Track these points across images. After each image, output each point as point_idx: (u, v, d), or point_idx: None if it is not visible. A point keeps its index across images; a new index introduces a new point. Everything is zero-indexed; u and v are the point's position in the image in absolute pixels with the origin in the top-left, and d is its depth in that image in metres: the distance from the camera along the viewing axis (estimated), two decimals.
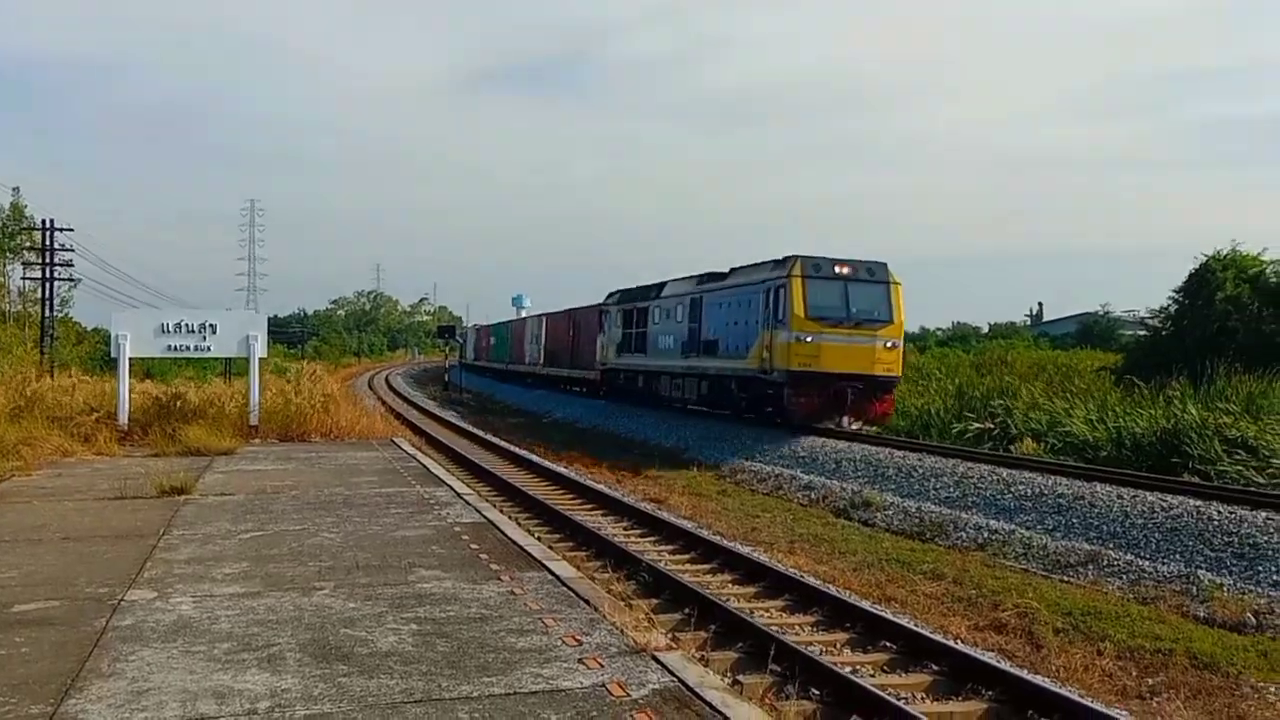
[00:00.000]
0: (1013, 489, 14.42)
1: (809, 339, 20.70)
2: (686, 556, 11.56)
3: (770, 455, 20.16)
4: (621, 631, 5.97)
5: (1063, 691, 7.07)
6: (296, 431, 19.10)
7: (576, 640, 5.77)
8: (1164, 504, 12.42)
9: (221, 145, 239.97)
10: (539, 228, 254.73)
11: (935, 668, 7.54)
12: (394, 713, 4.60)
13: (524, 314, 64.92)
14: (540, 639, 5.79)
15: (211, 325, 18.52)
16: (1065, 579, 11.16)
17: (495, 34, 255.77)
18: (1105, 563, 11.38)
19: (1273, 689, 7.58)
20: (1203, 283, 28.74)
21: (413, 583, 7.18)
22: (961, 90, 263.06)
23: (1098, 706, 6.83)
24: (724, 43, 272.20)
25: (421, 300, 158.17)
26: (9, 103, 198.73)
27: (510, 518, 11.12)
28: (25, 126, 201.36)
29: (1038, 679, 7.40)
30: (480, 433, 27.06)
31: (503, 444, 23.50)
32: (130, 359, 18.28)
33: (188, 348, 18.77)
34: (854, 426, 21.66)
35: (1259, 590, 9.87)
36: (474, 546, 8.56)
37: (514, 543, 8.80)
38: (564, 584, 7.21)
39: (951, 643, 8.16)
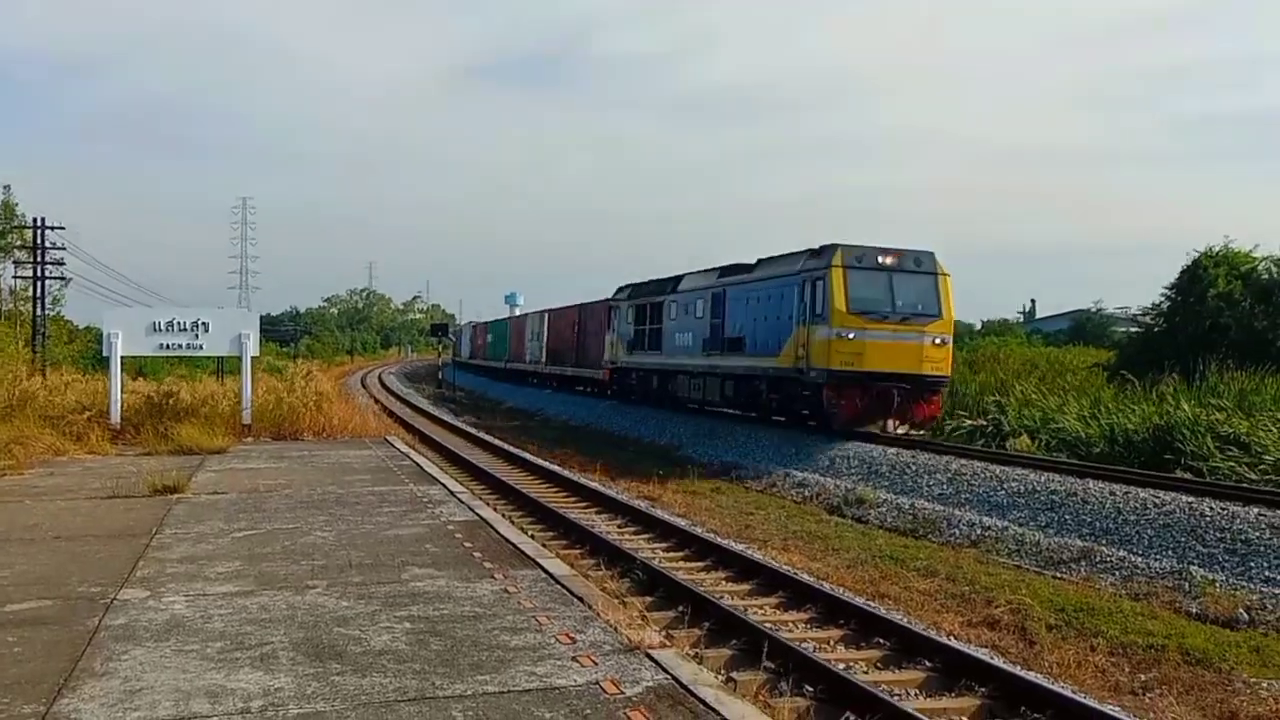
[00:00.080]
0: (1006, 485, 14.45)
1: (851, 335, 18.79)
2: (680, 554, 11.57)
3: (765, 454, 20.16)
4: (615, 629, 5.97)
5: (1056, 688, 7.10)
6: (289, 430, 19.10)
7: (570, 638, 5.77)
8: (1156, 500, 12.46)
9: (212, 143, 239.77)
10: (532, 225, 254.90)
11: (929, 664, 7.56)
12: (388, 711, 4.59)
13: (518, 312, 64.56)
14: (534, 637, 5.79)
15: (204, 324, 18.46)
16: (1058, 575, 11.20)
17: (489, 31, 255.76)
18: (1098, 559, 11.41)
19: (1265, 685, 7.61)
20: (1195, 279, 28.81)
21: (406, 581, 7.17)
22: (955, 84, 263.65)
23: (1091, 703, 6.85)
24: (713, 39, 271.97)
25: (414, 298, 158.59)
26: None
27: (503, 515, 11.12)
28: (15, 123, 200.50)
29: (1031, 675, 7.42)
30: (474, 431, 27.04)
31: (496, 442, 23.48)
32: (122, 357, 18.24)
33: (180, 346, 18.70)
34: (899, 431, 19.89)
35: (1251, 586, 9.91)
36: (467, 544, 8.56)
37: (507, 540, 8.80)
38: (558, 582, 7.21)
39: (945, 639, 8.19)
